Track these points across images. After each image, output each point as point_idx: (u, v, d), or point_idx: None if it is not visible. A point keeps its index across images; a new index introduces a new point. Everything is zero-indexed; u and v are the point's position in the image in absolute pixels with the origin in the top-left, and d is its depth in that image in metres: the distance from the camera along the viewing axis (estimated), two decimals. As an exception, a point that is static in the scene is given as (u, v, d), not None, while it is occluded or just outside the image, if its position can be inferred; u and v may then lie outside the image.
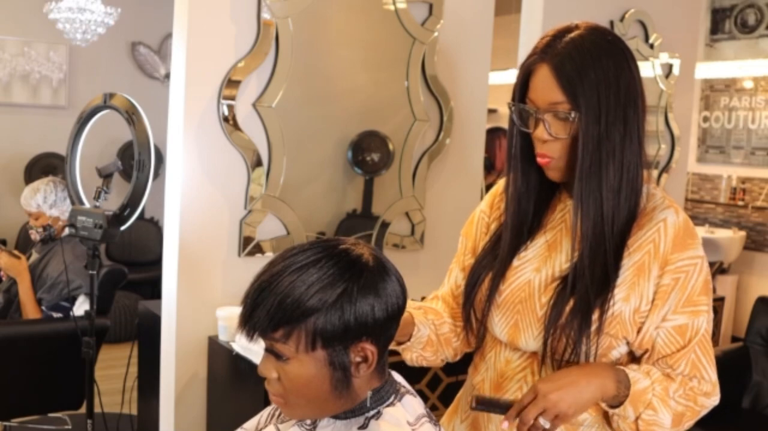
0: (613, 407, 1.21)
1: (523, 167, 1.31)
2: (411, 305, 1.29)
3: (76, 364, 2.72)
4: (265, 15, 2.49)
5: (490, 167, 5.29)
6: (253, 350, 2.25)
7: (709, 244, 5.12)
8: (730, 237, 5.31)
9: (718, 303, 3.83)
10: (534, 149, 1.27)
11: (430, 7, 2.83)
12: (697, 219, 5.69)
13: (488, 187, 4.92)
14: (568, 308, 1.21)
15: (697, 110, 5.70)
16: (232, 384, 2.48)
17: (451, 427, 1.43)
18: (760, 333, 3.30)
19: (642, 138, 1.23)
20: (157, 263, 4.32)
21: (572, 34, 1.21)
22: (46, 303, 3.06)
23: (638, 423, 1.20)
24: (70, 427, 3.13)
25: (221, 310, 2.48)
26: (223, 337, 2.50)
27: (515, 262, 1.32)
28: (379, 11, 2.74)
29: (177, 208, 2.47)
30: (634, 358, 1.29)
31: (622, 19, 3.44)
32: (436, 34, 2.84)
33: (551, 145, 1.23)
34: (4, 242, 5.01)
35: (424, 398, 2.50)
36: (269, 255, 2.58)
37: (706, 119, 5.77)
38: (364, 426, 1.06)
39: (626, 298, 1.22)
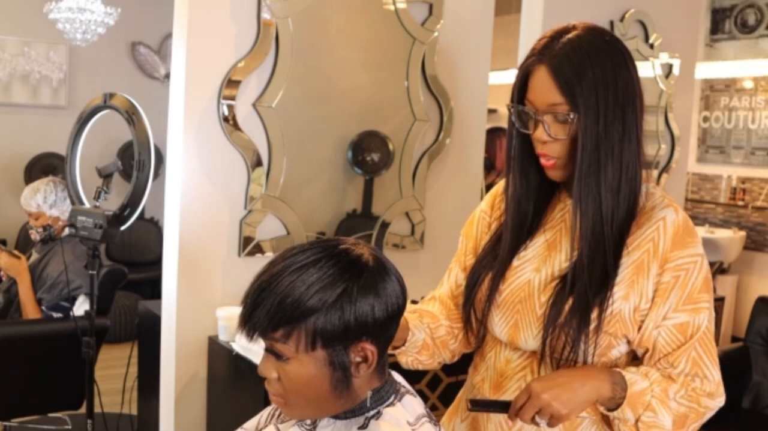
0: (611, 410, 1.21)
1: (523, 168, 1.31)
2: (407, 309, 1.30)
3: (76, 364, 2.72)
4: (265, 15, 2.49)
5: (490, 166, 5.30)
6: (253, 350, 2.25)
7: (709, 244, 5.12)
8: (730, 237, 5.31)
9: (718, 303, 3.83)
10: (534, 149, 1.27)
11: (430, 7, 2.83)
12: (697, 219, 5.69)
13: (488, 187, 4.93)
14: (567, 307, 1.22)
15: (697, 110, 5.70)
16: (232, 384, 2.48)
17: (451, 427, 1.43)
18: (760, 333, 3.30)
19: (640, 138, 1.23)
20: (157, 263, 4.32)
21: (570, 35, 1.21)
22: (46, 303, 3.06)
23: (638, 425, 1.20)
24: (70, 427, 3.13)
25: (221, 310, 2.48)
26: (223, 337, 2.50)
27: (515, 262, 1.32)
28: (379, 11, 2.74)
29: (177, 208, 2.47)
30: (635, 359, 1.29)
31: (622, 19, 3.44)
32: (436, 34, 2.84)
33: (551, 146, 1.23)
34: (4, 242, 5.01)
35: (424, 398, 2.50)
36: (269, 255, 2.58)
37: (706, 119, 5.77)
38: (364, 426, 1.07)
39: (625, 296, 1.22)
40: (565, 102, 1.19)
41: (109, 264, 3.38)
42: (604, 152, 1.20)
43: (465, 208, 3.04)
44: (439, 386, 2.58)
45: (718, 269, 5.22)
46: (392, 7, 2.75)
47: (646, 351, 1.25)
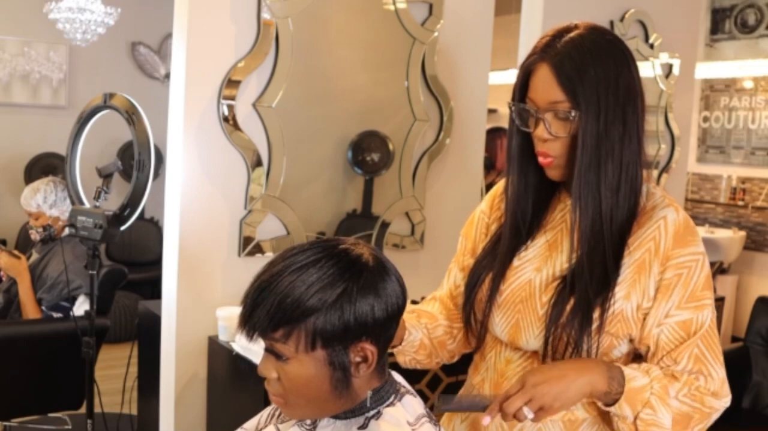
0: (608, 405, 1.20)
1: (523, 167, 1.31)
2: (405, 309, 1.30)
3: (76, 364, 2.72)
4: (265, 15, 2.49)
5: (490, 166, 5.30)
6: (253, 350, 2.25)
7: (709, 244, 5.12)
8: (730, 237, 5.31)
9: (718, 303, 3.84)
10: (533, 148, 1.27)
11: (430, 7, 2.83)
12: (697, 219, 5.69)
13: (488, 186, 4.93)
14: (568, 307, 1.22)
15: (697, 110, 5.70)
16: (232, 384, 2.48)
17: (451, 427, 1.43)
18: (760, 333, 3.30)
19: (641, 138, 1.24)
20: (157, 263, 4.32)
21: (572, 34, 1.22)
22: (46, 303, 3.06)
23: (637, 423, 1.19)
24: (70, 427, 3.13)
25: (221, 310, 2.48)
26: (223, 337, 2.50)
27: (516, 262, 1.32)
28: (379, 11, 2.74)
29: (177, 208, 2.47)
30: (637, 359, 1.29)
31: (622, 19, 3.44)
32: (436, 34, 2.84)
33: (551, 144, 1.23)
34: (4, 242, 5.01)
35: (424, 398, 2.50)
36: (269, 255, 2.58)
37: (706, 119, 5.77)
38: (364, 426, 1.07)
39: (627, 296, 1.22)
40: (566, 100, 1.19)
41: (109, 264, 3.38)
42: (605, 150, 1.20)
43: (465, 208, 3.04)
44: (439, 386, 2.58)
45: (718, 269, 5.22)
46: (392, 7, 2.75)
47: (648, 349, 1.25)
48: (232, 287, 2.56)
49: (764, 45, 5.37)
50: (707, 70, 5.49)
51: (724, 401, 1.24)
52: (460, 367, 1.55)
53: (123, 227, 2.51)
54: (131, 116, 2.49)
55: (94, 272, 2.54)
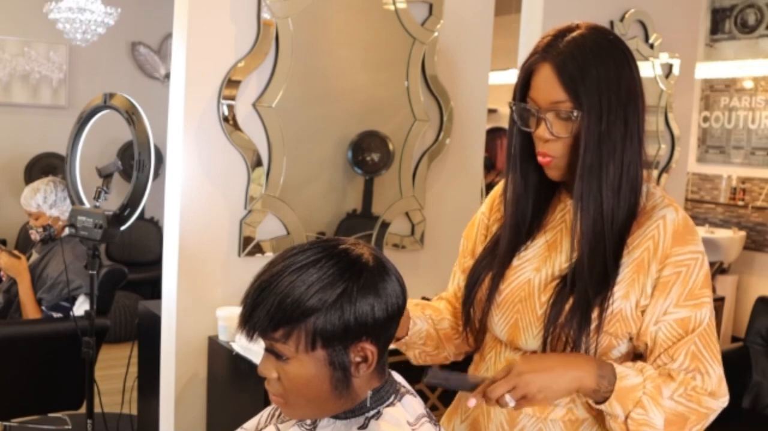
0: (598, 403, 1.19)
1: (523, 167, 1.31)
2: (409, 302, 1.30)
3: (76, 364, 2.72)
4: (265, 15, 2.49)
5: (490, 166, 5.31)
6: (253, 350, 2.25)
7: (709, 244, 5.12)
8: (730, 237, 5.31)
9: (718, 303, 3.84)
10: (533, 148, 1.27)
11: (430, 7, 2.83)
12: (697, 219, 5.69)
13: (488, 186, 4.93)
14: (567, 307, 1.22)
15: (697, 110, 5.70)
16: (232, 384, 2.48)
17: (451, 427, 1.43)
18: (760, 333, 3.30)
19: (642, 138, 1.24)
20: (157, 263, 4.32)
21: (573, 34, 1.22)
22: (46, 303, 3.06)
23: (628, 422, 1.18)
24: (70, 427, 3.13)
25: (221, 310, 2.48)
26: (223, 337, 2.50)
27: (515, 262, 1.32)
28: (379, 11, 2.74)
29: (177, 208, 2.47)
30: (636, 358, 1.28)
31: (622, 19, 3.44)
32: (436, 34, 2.84)
33: (553, 144, 1.23)
34: (4, 242, 5.01)
35: (424, 398, 2.50)
36: (269, 255, 2.58)
37: (706, 119, 5.77)
38: (364, 426, 1.06)
39: (626, 295, 1.22)
40: (568, 100, 1.19)
41: (109, 264, 3.37)
42: (606, 150, 1.20)
43: (465, 208, 3.04)
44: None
45: (718, 269, 5.21)
46: (392, 7, 2.75)
47: (646, 347, 1.25)
48: (232, 287, 2.56)
49: (764, 45, 5.37)
50: (707, 70, 5.49)
51: (722, 401, 1.23)
52: (461, 367, 1.55)
53: (123, 227, 2.51)
54: (131, 116, 2.49)
55: (94, 272, 2.54)
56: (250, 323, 1.02)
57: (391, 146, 2.83)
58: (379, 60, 2.79)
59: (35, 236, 3.05)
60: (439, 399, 2.56)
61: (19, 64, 5.47)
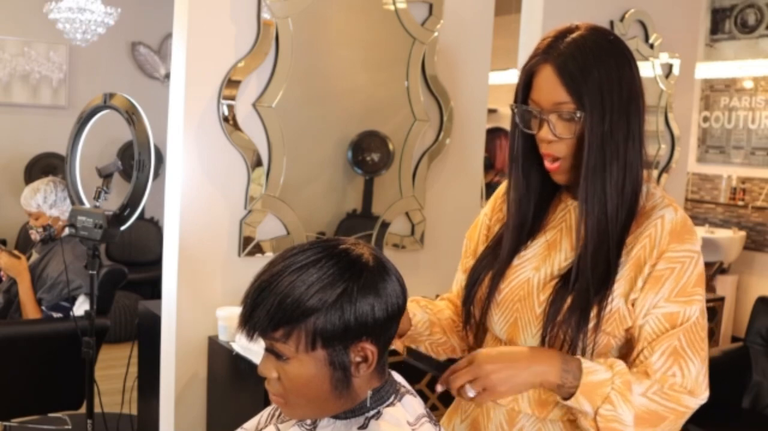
0: (566, 399, 1.17)
1: (525, 169, 1.32)
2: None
3: (76, 364, 2.72)
4: (265, 15, 2.49)
5: (489, 166, 5.31)
6: (253, 350, 2.25)
7: (709, 244, 5.12)
8: (730, 237, 5.31)
9: (718, 303, 3.83)
10: (536, 150, 1.28)
11: (430, 7, 2.83)
12: (697, 219, 5.69)
13: (487, 185, 4.93)
14: (566, 306, 1.22)
15: (697, 110, 5.70)
16: (232, 384, 2.48)
17: (452, 427, 1.43)
18: (760, 333, 3.30)
19: (643, 137, 1.24)
20: (157, 263, 4.33)
21: (574, 35, 1.22)
22: (46, 303, 3.06)
23: (596, 419, 1.15)
24: (70, 427, 3.13)
25: (221, 310, 2.48)
26: (223, 337, 2.50)
27: (515, 261, 1.33)
28: (379, 11, 2.74)
29: (177, 208, 2.47)
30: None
31: (622, 19, 3.44)
32: (436, 34, 2.84)
33: (556, 145, 1.23)
34: (4, 242, 5.01)
35: (424, 398, 2.50)
36: (269, 255, 2.58)
37: (706, 119, 5.77)
38: (364, 426, 1.07)
39: (622, 293, 1.22)
40: (571, 101, 1.20)
41: (109, 264, 3.38)
42: (610, 150, 1.20)
43: (465, 208, 3.04)
44: (439, 386, 2.58)
45: (718, 269, 5.21)
46: (392, 7, 2.75)
47: (635, 339, 1.24)
48: (232, 287, 2.56)
49: (764, 45, 5.37)
50: (707, 70, 5.49)
51: (701, 398, 1.21)
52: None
53: (123, 227, 2.51)
54: (131, 116, 2.49)
55: (94, 272, 2.54)
56: (250, 323, 1.02)
57: (391, 146, 2.83)
58: (379, 60, 2.79)
59: (35, 236, 3.05)
60: (439, 399, 2.56)
61: (19, 64, 5.46)
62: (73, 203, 2.82)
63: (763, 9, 5.36)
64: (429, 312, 1.39)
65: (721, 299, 3.88)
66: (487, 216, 1.45)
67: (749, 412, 3.20)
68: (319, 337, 1.01)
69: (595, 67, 1.19)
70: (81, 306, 3.01)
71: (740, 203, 5.53)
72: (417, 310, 1.37)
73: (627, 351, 1.27)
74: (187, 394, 2.57)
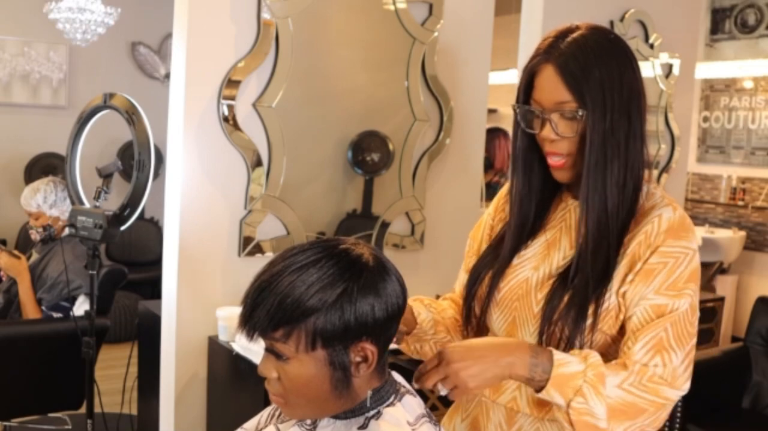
0: (538, 392, 1.16)
1: (526, 169, 1.32)
2: (409, 299, 1.30)
3: (76, 364, 2.72)
4: (265, 15, 2.49)
5: (488, 165, 5.32)
6: (253, 350, 2.25)
7: (709, 244, 5.12)
8: (730, 237, 5.31)
9: (718, 303, 3.83)
10: (537, 150, 1.29)
11: (430, 7, 2.83)
12: (697, 219, 5.69)
13: (487, 185, 4.93)
14: (563, 304, 1.22)
15: (697, 110, 5.70)
16: (232, 384, 2.48)
17: (452, 426, 1.43)
18: (760, 333, 3.30)
19: (645, 135, 1.25)
20: (157, 263, 4.32)
21: (575, 35, 1.23)
22: (46, 303, 3.06)
23: (569, 411, 1.14)
24: (70, 427, 3.13)
25: (221, 310, 2.48)
26: (223, 337, 2.50)
27: (515, 260, 1.33)
28: (379, 11, 2.74)
29: (177, 208, 2.47)
30: None
31: (622, 19, 3.44)
32: (436, 34, 2.84)
33: (558, 144, 1.24)
34: (4, 242, 5.01)
35: (424, 398, 2.50)
36: (269, 255, 2.58)
37: (706, 119, 5.77)
38: (364, 426, 1.07)
39: (617, 290, 1.22)
40: (572, 100, 1.20)
41: (109, 264, 3.38)
42: (611, 148, 1.21)
43: (465, 208, 3.04)
44: (439, 386, 2.58)
45: (718, 269, 5.21)
46: (392, 7, 2.75)
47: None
48: (232, 287, 2.56)
49: (764, 45, 5.37)
50: (707, 70, 5.49)
51: (682, 390, 1.19)
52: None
53: (123, 227, 2.51)
54: (131, 116, 2.49)
55: (94, 272, 2.54)
56: (250, 323, 1.02)
57: (391, 146, 2.83)
58: (379, 60, 2.79)
59: (35, 236, 3.05)
60: (439, 399, 2.56)
61: (19, 64, 5.46)
62: (73, 203, 2.82)
63: (763, 9, 5.36)
64: (433, 311, 1.39)
65: (721, 299, 3.88)
66: (490, 216, 1.46)
67: (749, 412, 3.20)
68: (319, 337, 1.01)
69: (597, 66, 1.19)
70: (81, 306, 3.01)
71: (740, 203, 5.53)
72: (422, 309, 1.37)
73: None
74: (187, 394, 2.57)
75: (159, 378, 2.63)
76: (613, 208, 1.22)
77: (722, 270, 5.30)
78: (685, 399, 2.86)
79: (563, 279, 1.25)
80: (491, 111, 5.51)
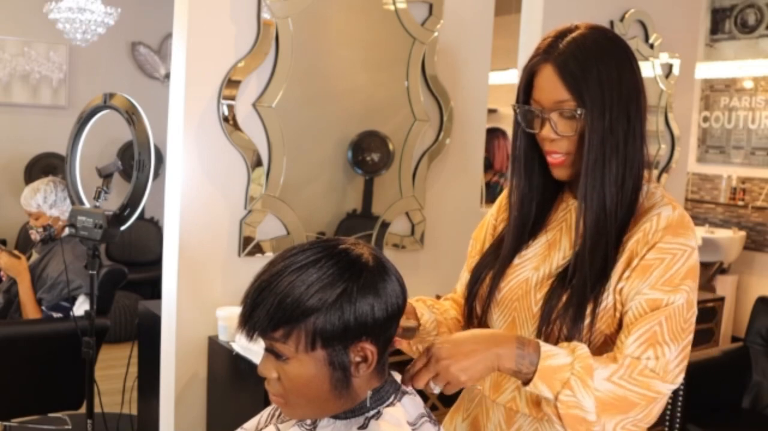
0: (526, 384, 1.15)
1: (527, 169, 1.32)
2: (411, 300, 1.30)
3: (76, 364, 2.72)
4: (265, 15, 2.49)
5: (488, 165, 5.32)
6: (253, 350, 2.25)
7: (709, 244, 5.12)
8: (730, 237, 5.31)
9: (718, 303, 3.83)
10: (538, 150, 1.29)
11: (430, 7, 2.83)
12: (697, 219, 5.69)
13: (486, 185, 4.92)
14: (561, 303, 1.22)
15: (697, 110, 5.70)
16: (232, 384, 2.48)
17: (453, 426, 1.43)
18: (760, 333, 3.30)
19: (644, 134, 1.25)
20: (157, 263, 4.33)
21: (574, 34, 1.23)
22: (46, 303, 3.06)
23: (557, 405, 1.13)
24: (70, 427, 3.13)
25: (221, 310, 2.48)
26: (223, 337, 2.50)
27: (516, 260, 1.33)
28: (379, 11, 2.74)
29: (177, 208, 2.47)
30: None
31: (622, 19, 3.44)
32: (436, 34, 2.84)
33: (558, 143, 1.24)
34: (4, 242, 5.01)
35: (424, 398, 2.50)
36: (269, 255, 2.58)
37: (706, 119, 5.77)
38: (364, 426, 1.07)
39: (614, 288, 1.22)
40: (571, 99, 1.20)
41: (109, 264, 3.38)
42: (610, 147, 1.21)
43: (465, 208, 3.04)
44: (439, 386, 2.58)
45: (718, 269, 5.21)
46: (392, 7, 2.75)
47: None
48: (232, 287, 2.56)
49: (764, 45, 5.37)
50: (707, 70, 5.49)
51: (674, 385, 1.18)
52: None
53: (123, 227, 2.51)
54: (131, 116, 2.49)
55: (94, 272, 2.54)
56: (250, 323, 1.02)
57: (391, 146, 2.83)
58: (379, 60, 2.79)
59: (35, 236, 3.05)
60: (439, 399, 2.56)
61: (19, 64, 5.46)
62: (73, 203, 2.82)
63: (763, 9, 5.36)
64: (436, 312, 1.39)
65: (721, 299, 3.87)
66: (493, 216, 1.47)
67: (749, 412, 3.20)
68: (318, 337, 1.01)
69: (595, 65, 1.20)
70: (81, 306, 3.01)
71: (740, 203, 5.53)
72: (424, 310, 1.37)
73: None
74: (187, 394, 2.57)
75: (159, 378, 2.63)
76: (611, 206, 1.22)
77: (722, 270, 5.30)
78: (685, 399, 2.87)
79: (562, 279, 1.25)
80: (491, 111, 5.51)
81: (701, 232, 5.29)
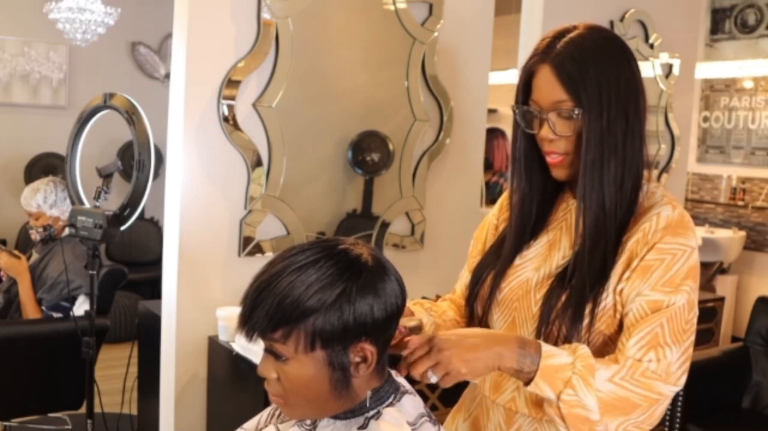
0: (527, 385, 1.15)
1: (527, 169, 1.32)
2: (409, 302, 1.30)
3: (76, 364, 2.72)
4: (265, 15, 2.49)
5: (487, 165, 5.32)
6: (253, 350, 2.25)
7: (709, 244, 5.12)
8: (730, 237, 5.31)
9: (718, 303, 3.83)
10: (538, 150, 1.29)
11: (430, 7, 2.83)
12: (697, 219, 5.69)
13: (486, 185, 4.92)
14: (560, 303, 1.22)
15: (697, 110, 5.70)
16: (232, 384, 2.48)
17: (455, 425, 1.43)
18: (760, 333, 3.30)
19: (644, 135, 1.24)
20: (157, 263, 4.32)
21: (572, 34, 1.23)
22: (46, 303, 3.06)
23: (559, 404, 1.12)
24: (70, 427, 3.13)
25: (221, 310, 2.48)
26: (223, 337, 2.50)
27: (517, 261, 1.33)
28: (379, 11, 2.74)
29: (177, 208, 2.47)
30: None
31: (622, 19, 3.44)
32: (436, 34, 2.84)
33: (557, 143, 1.24)
34: (4, 242, 5.01)
35: (424, 398, 2.50)
36: (269, 255, 2.58)
37: (706, 119, 5.77)
38: (364, 426, 1.07)
39: (614, 289, 1.22)
40: (569, 99, 1.20)
41: (109, 264, 3.37)
42: (608, 147, 1.21)
43: (465, 208, 3.04)
44: (439, 387, 2.58)
45: (718, 269, 5.21)
46: (392, 7, 2.75)
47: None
48: (232, 287, 2.56)
49: (764, 45, 5.37)
50: (707, 70, 5.49)
51: (677, 386, 1.18)
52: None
53: (123, 227, 2.51)
54: (131, 116, 2.49)
55: (94, 272, 2.54)
56: (249, 323, 1.02)
57: (391, 146, 2.83)
58: (379, 60, 2.79)
59: (35, 236, 3.05)
60: (439, 399, 2.56)
61: (19, 64, 5.46)
62: (73, 203, 2.83)
63: (763, 9, 5.36)
64: (434, 315, 1.39)
65: (721, 299, 3.88)
66: (494, 216, 1.47)
67: (749, 412, 3.20)
68: (318, 337, 1.01)
69: (593, 65, 1.20)
70: (81, 306, 3.01)
71: (740, 203, 5.53)
72: (422, 314, 1.37)
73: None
74: (187, 394, 2.57)
75: (159, 378, 2.63)
76: (610, 206, 1.22)
77: (722, 270, 5.30)
78: (685, 399, 2.87)
79: (561, 279, 1.25)
80: (491, 111, 5.52)
81: (701, 232, 5.29)
